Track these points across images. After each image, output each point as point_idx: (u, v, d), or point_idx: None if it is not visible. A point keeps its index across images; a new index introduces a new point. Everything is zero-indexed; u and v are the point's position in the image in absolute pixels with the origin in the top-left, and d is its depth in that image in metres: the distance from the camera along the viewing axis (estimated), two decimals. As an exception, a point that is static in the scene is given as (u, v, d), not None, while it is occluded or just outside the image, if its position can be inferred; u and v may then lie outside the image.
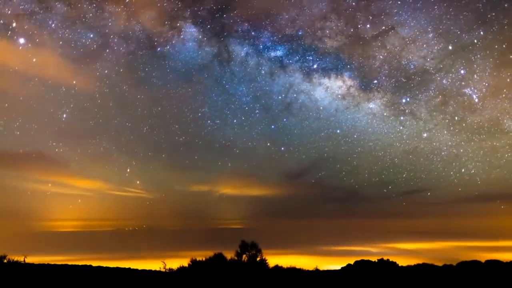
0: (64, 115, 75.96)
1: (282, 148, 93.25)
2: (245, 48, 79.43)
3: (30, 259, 14.23)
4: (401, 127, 79.99)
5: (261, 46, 79.90)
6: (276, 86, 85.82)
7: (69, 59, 72.17)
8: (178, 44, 75.04)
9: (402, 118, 79.39)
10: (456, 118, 74.73)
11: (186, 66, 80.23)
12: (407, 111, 78.98)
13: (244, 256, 12.88)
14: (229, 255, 12.95)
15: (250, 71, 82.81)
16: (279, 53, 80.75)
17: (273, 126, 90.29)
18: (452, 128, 76.09)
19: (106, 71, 75.03)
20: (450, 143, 77.62)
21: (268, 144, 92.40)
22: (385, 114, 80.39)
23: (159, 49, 75.28)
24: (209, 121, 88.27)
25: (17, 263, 13.27)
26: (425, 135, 79.22)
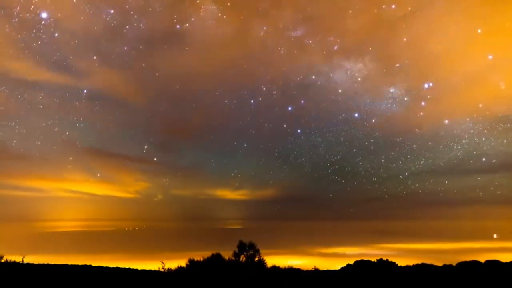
0: (85, 91, 74.89)
1: (299, 131, 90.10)
2: (264, 27, 75.61)
3: (30, 259, 14.24)
4: (421, 113, 75.14)
5: (281, 26, 75.86)
6: (295, 67, 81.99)
7: (89, 34, 70.46)
8: (198, 21, 72.19)
9: (423, 103, 74.25)
10: (480, 105, 70.43)
11: (204, 44, 77.32)
12: (428, 96, 73.58)
13: (242, 256, 12.87)
14: (228, 255, 12.95)
15: (269, 51, 78.94)
16: (299, 33, 76.60)
17: (290, 108, 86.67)
18: (475, 115, 71.64)
19: (125, 48, 73.36)
20: (472, 131, 72.94)
21: (285, 125, 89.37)
22: (405, 99, 75.64)
23: (178, 26, 72.70)
24: (226, 101, 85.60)
25: (14, 263, 13.24)
26: (446, 121, 74.59)
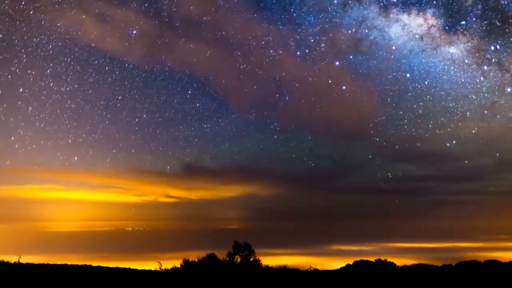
0: (134, 32, 73.27)
1: (344, 87, 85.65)
2: (318, -27, 66.03)
3: (30, 259, 14.25)
4: (482, 78, 68.97)
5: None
6: (347, 19, 75.64)
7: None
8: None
9: (485, 67, 67.64)
10: (551, 74, 59.39)
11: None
12: (493, 60, 66.78)
13: (237, 256, 12.90)
14: (225, 255, 13.00)
15: (321, 0, 73.28)
16: (355, -19, 64.86)
17: (337, 63, 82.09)
18: (543, 85, 60.61)
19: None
20: (537, 103, 62.78)
21: (330, 81, 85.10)
22: (466, 61, 69.11)
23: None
24: (271, 51, 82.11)
25: (10, 263, 13.18)
26: (509, 89, 68.27)
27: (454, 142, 80.00)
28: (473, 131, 75.14)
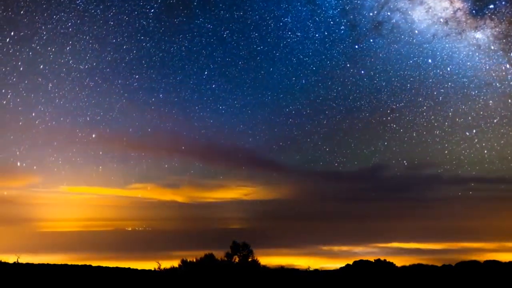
0: (152, 11, 73.75)
1: (362, 72, 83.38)
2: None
3: (29, 259, 14.27)
4: (508, 66, 65.61)
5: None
6: (369, 1, 74.43)
7: None
8: None
9: None
10: None
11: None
12: None
13: (235, 257, 12.94)
14: (223, 255, 13.04)
15: None
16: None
17: (357, 46, 79.78)
18: None
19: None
20: None
21: (348, 65, 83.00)
22: (492, 47, 66.38)
23: None
24: (289, 33, 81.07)
25: (9, 264, 13.20)
26: None
27: (474, 131, 79.02)
28: (495, 121, 74.10)
